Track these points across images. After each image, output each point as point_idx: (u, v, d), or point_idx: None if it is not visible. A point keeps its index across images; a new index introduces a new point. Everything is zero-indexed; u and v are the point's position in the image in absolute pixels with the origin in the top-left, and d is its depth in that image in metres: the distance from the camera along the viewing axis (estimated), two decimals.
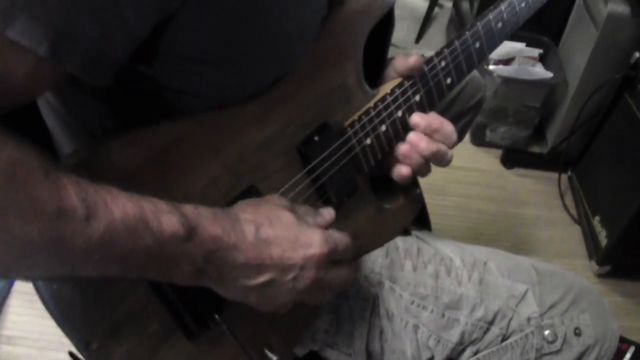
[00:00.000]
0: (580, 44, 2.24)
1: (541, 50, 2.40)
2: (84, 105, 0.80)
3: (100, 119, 0.81)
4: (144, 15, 0.62)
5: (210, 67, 0.72)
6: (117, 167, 0.71)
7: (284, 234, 0.74)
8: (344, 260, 0.81)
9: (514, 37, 2.31)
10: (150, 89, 0.73)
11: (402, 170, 0.93)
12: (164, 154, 0.73)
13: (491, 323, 0.98)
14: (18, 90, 0.59)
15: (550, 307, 0.99)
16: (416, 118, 0.93)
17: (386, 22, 0.92)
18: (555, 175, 2.41)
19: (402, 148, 0.93)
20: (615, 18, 2.03)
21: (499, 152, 2.50)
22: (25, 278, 0.68)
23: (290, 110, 0.83)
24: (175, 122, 0.74)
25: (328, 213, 0.83)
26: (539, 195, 2.41)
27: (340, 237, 0.79)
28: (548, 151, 2.47)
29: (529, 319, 0.98)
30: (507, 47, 2.39)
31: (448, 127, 0.93)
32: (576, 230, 2.27)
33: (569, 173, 2.40)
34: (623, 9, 2.01)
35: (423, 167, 0.94)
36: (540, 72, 2.33)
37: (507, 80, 2.28)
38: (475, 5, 2.58)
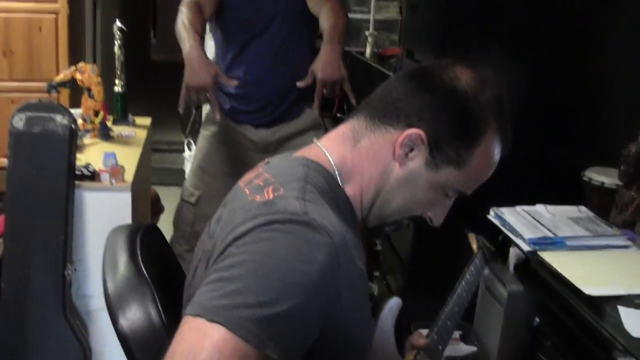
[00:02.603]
0: (490, 320, 2.76)
1: (461, 332, 2.90)
2: None
3: None
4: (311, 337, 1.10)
5: None
6: None
7: None
8: None
9: None
10: None
11: None
12: None
13: None
14: None
15: None
16: None
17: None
18: None
19: None
20: (514, 295, 2.57)
21: None
22: None
23: None
24: None
25: None
26: None
27: None
28: None
29: None
30: None
31: None
32: None
33: None
34: (518, 287, 2.57)
35: None
36: (465, 348, 2.84)
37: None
38: None
